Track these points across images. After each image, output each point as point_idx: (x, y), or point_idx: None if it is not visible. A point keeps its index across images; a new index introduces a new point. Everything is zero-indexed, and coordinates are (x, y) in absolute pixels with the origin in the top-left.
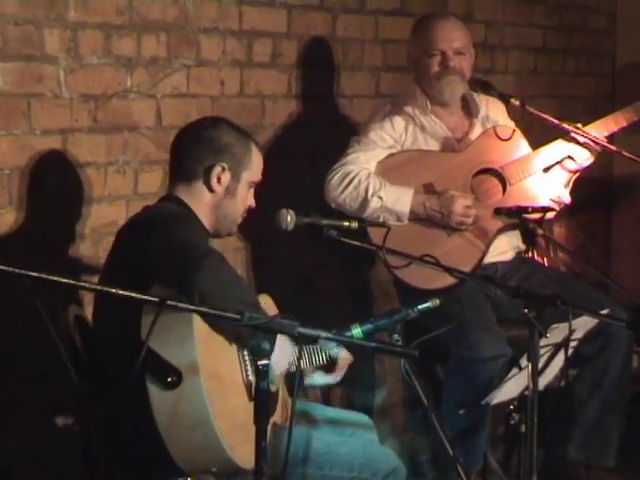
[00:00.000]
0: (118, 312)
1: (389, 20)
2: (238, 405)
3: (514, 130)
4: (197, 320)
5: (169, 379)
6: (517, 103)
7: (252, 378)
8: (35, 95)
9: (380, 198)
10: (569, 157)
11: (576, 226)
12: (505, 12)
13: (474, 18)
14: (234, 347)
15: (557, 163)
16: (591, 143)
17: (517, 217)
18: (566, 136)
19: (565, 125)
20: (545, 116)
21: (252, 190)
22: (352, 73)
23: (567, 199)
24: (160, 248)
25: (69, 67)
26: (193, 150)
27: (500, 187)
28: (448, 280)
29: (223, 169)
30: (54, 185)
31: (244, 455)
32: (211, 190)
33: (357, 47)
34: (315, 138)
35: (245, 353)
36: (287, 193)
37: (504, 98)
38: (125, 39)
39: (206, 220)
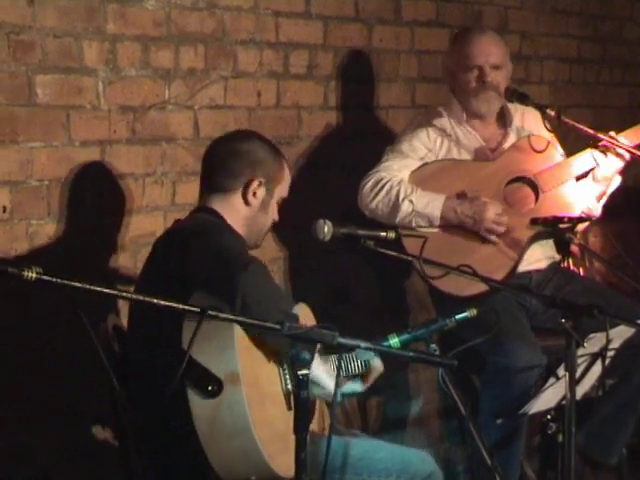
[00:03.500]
0: (156, 322)
1: (424, 31)
2: (276, 414)
3: (548, 142)
4: (238, 328)
5: (210, 387)
6: (553, 113)
7: (290, 387)
8: (74, 107)
9: (411, 202)
10: (598, 165)
11: (611, 235)
12: (540, 23)
13: (509, 29)
14: (275, 356)
15: (590, 171)
16: (621, 151)
17: (553, 228)
18: (596, 144)
19: (600, 135)
20: (580, 126)
21: (277, 205)
22: (388, 84)
23: (597, 212)
24: (203, 254)
25: (107, 79)
26: (229, 163)
27: (533, 195)
28: (482, 287)
29: (260, 183)
30: (92, 196)
31: (283, 464)
32: (247, 203)
33: (393, 58)
34: (351, 149)
35: (283, 362)
36: (324, 204)
37: (540, 108)
38: (163, 51)
39: (239, 231)
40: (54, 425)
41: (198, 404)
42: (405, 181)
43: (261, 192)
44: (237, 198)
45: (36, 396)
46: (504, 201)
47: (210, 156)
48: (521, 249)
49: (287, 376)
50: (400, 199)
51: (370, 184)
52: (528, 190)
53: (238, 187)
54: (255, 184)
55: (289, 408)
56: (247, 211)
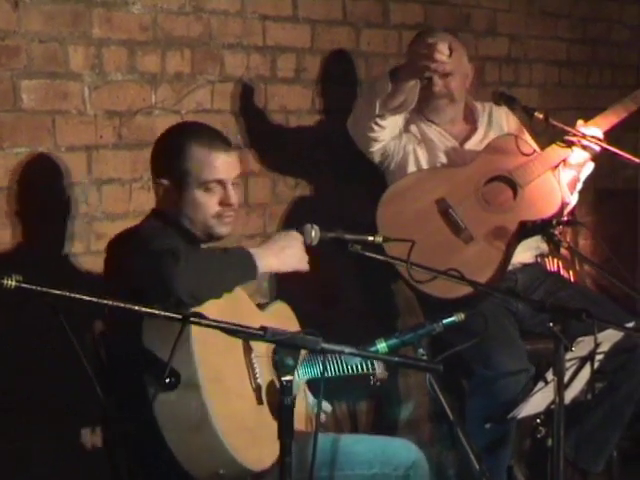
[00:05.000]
0: (121, 323)
1: (412, 34)
2: (244, 408)
3: (518, 138)
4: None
5: (167, 380)
6: (541, 116)
7: (261, 382)
8: (60, 112)
9: None
10: (572, 152)
11: (601, 239)
12: (528, 25)
13: (497, 32)
14: (239, 351)
15: (562, 161)
16: (592, 142)
17: (542, 231)
18: (562, 140)
19: (589, 137)
20: (569, 129)
21: (219, 188)
22: None
23: (568, 199)
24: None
25: (94, 84)
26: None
27: (511, 192)
28: (467, 289)
29: (160, 184)
30: (78, 202)
31: (251, 457)
32: (163, 201)
33: (381, 61)
34: (339, 153)
35: (253, 357)
36: (312, 208)
37: (528, 111)
38: (149, 55)
39: (186, 222)
40: (47, 430)
41: (158, 397)
42: None
43: (170, 189)
44: (158, 196)
45: (28, 401)
46: (484, 201)
47: None
48: (506, 246)
49: (257, 371)
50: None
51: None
52: (506, 187)
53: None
54: (159, 186)
55: (259, 402)
56: (170, 206)
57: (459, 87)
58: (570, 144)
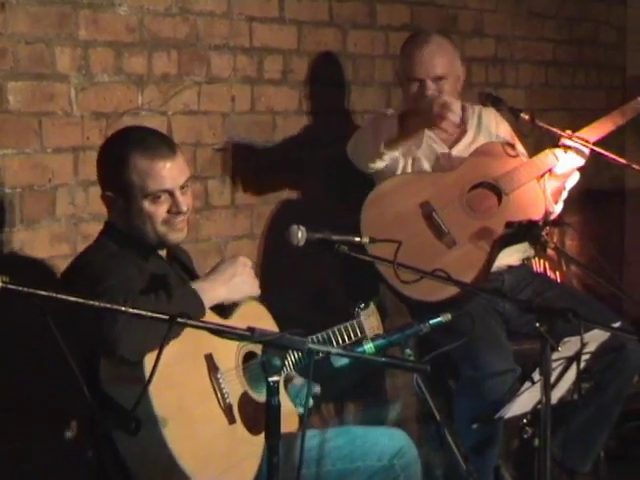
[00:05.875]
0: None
1: (399, 35)
2: (214, 434)
3: (505, 145)
4: (148, 361)
5: (129, 425)
6: (527, 117)
7: (231, 400)
8: (46, 113)
9: None
10: (558, 161)
11: (588, 239)
12: (515, 26)
13: (484, 33)
14: (203, 375)
15: (547, 170)
16: (581, 148)
17: (529, 231)
18: (556, 144)
19: (575, 138)
20: (554, 129)
21: (167, 196)
22: (363, 89)
23: (552, 208)
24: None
25: (80, 85)
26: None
27: (496, 199)
28: (450, 291)
29: (107, 196)
30: (65, 204)
31: None
32: (112, 214)
33: (367, 63)
34: (326, 154)
35: (219, 376)
36: (299, 209)
37: (514, 112)
38: (136, 57)
39: (138, 232)
40: (47, 430)
41: (124, 442)
42: None
43: (117, 203)
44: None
45: (28, 401)
46: (468, 207)
47: None
48: (488, 253)
49: (225, 390)
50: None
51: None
52: (491, 194)
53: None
54: (106, 199)
55: (231, 422)
56: (118, 218)
57: (452, 90)
58: (564, 147)
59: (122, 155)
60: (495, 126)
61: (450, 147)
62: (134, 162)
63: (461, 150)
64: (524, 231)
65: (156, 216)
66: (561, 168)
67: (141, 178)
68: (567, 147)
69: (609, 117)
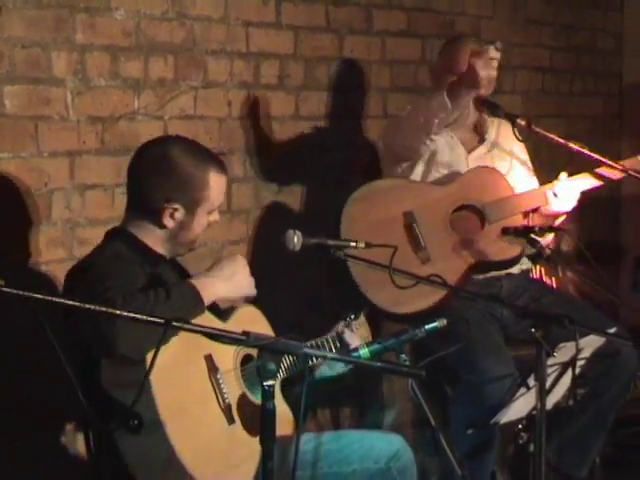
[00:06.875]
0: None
1: (396, 41)
2: (214, 434)
3: (501, 175)
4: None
5: (131, 423)
6: (523, 123)
7: (230, 400)
8: (42, 118)
9: None
10: (548, 204)
11: (584, 246)
12: (512, 33)
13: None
14: (203, 375)
15: (535, 208)
16: (575, 195)
17: (524, 237)
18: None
19: (571, 145)
20: (552, 136)
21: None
22: (359, 94)
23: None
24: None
25: (76, 89)
26: (147, 182)
27: (479, 225)
28: (418, 305)
29: (175, 210)
30: (61, 207)
31: None
32: (163, 227)
33: (364, 68)
34: (323, 159)
35: (219, 377)
36: (296, 214)
37: (511, 118)
38: (132, 61)
39: (160, 249)
40: (47, 430)
41: (124, 440)
42: None
43: (179, 215)
44: (152, 221)
45: (28, 401)
46: (450, 227)
47: (131, 168)
48: (459, 277)
49: (224, 391)
50: None
51: None
52: (475, 219)
53: (152, 212)
54: (168, 212)
55: (230, 422)
56: (163, 233)
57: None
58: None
59: (200, 171)
60: (511, 141)
61: (469, 152)
62: (213, 179)
63: (476, 158)
64: (520, 236)
65: (203, 228)
66: (549, 210)
67: (214, 193)
68: (561, 190)
69: (608, 168)
